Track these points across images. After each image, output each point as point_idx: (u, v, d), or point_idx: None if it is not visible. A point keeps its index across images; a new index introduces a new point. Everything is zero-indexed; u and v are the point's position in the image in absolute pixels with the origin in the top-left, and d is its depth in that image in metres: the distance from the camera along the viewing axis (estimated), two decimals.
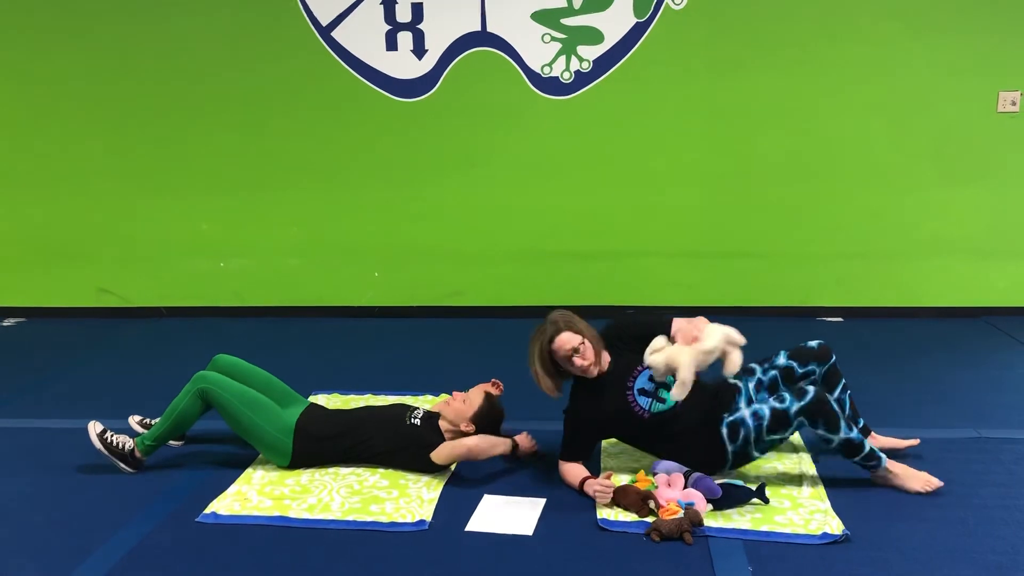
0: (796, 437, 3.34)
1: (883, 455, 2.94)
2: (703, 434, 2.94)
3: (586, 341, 2.98)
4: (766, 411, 2.86)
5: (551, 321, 3.01)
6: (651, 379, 2.97)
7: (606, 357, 3.05)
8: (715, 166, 5.04)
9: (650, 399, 2.99)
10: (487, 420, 3.16)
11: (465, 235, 5.27)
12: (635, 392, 3.00)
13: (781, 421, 2.84)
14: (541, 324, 3.03)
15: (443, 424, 3.18)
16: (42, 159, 5.38)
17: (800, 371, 3.07)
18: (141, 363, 4.62)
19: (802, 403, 2.82)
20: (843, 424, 2.82)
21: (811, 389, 2.86)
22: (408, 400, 3.76)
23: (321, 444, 3.17)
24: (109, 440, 3.19)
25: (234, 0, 5.04)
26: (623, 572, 2.49)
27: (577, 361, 2.96)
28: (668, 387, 2.90)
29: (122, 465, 3.19)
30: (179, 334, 5.16)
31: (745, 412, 2.91)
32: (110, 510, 2.92)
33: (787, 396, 2.86)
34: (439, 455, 3.05)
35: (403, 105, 5.12)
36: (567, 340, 2.95)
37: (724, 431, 2.91)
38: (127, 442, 3.21)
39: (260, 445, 3.18)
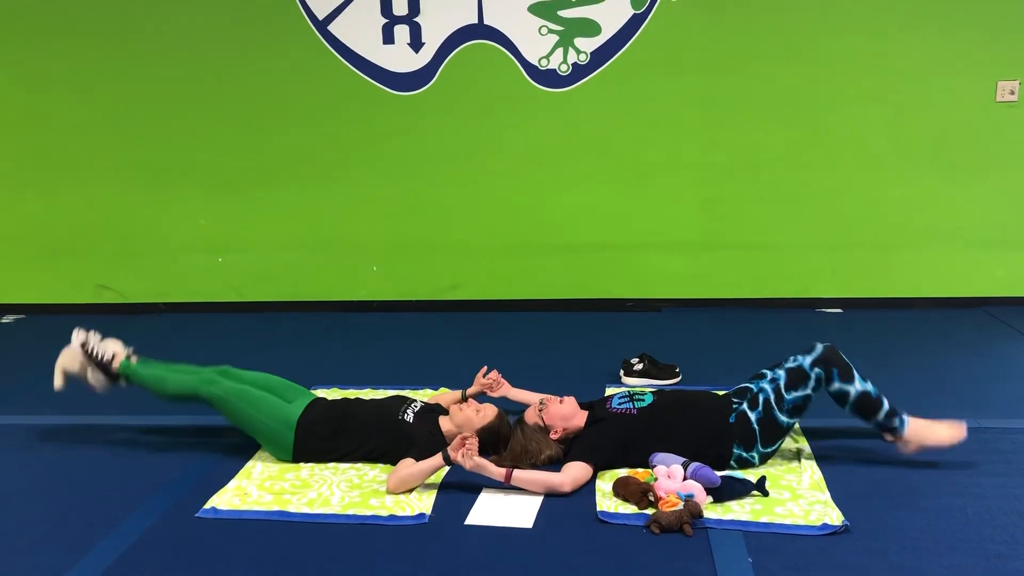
0: (796, 428, 3.34)
1: (905, 414, 2.93)
2: (720, 413, 3.02)
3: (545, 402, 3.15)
4: (780, 373, 2.97)
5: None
6: (622, 398, 3.15)
7: (581, 415, 3.14)
8: (713, 158, 5.03)
9: (630, 403, 3.12)
10: (493, 438, 3.12)
11: (463, 228, 5.27)
12: (614, 407, 3.12)
13: (798, 375, 2.92)
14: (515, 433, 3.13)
15: (446, 425, 3.18)
16: (40, 155, 5.37)
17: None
18: None
19: (814, 355, 2.92)
20: (857, 374, 2.89)
21: (818, 344, 2.97)
22: (407, 393, 3.75)
23: (320, 443, 3.16)
24: (91, 349, 3.19)
25: None
26: (623, 564, 2.49)
27: (550, 407, 3.10)
28: (641, 396, 3.13)
29: (97, 374, 3.18)
30: (178, 330, 5.16)
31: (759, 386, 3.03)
32: (109, 506, 2.92)
33: (796, 356, 2.97)
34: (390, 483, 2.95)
35: (400, 99, 5.11)
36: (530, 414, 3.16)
37: (744, 406, 2.99)
38: (109, 353, 3.23)
39: (262, 440, 3.18)
